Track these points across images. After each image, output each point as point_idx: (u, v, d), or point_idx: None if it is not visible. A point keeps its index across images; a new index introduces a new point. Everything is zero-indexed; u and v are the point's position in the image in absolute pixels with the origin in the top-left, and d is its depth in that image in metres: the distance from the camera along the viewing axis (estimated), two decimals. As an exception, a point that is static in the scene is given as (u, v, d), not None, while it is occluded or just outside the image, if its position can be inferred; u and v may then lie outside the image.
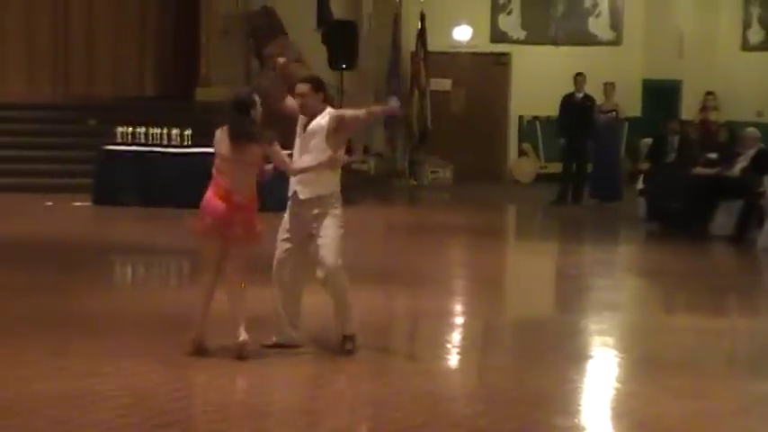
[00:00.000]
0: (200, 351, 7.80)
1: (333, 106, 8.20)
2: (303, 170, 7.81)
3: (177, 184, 16.11)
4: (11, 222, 14.98)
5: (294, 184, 7.95)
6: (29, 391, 6.90)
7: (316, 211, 7.82)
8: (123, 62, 22.10)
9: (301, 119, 7.98)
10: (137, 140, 16.98)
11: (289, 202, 8.00)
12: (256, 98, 7.84)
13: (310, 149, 7.85)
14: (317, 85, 7.98)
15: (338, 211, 7.88)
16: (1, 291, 10.24)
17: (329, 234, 7.79)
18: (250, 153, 7.71)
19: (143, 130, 16.96)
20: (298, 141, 7.97)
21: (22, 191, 17.51)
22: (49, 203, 16.62)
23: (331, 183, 7.89)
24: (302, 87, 7.91)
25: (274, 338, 8.06)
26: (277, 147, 7.85)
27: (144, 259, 12.77)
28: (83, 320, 9.05)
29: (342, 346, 7.98)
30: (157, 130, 16.95)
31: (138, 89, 22.18)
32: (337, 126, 7.84)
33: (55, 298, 9.91)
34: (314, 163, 7.77)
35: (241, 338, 7.70)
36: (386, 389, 7.31)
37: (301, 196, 7.87)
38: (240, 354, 7.69)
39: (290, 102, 8.03)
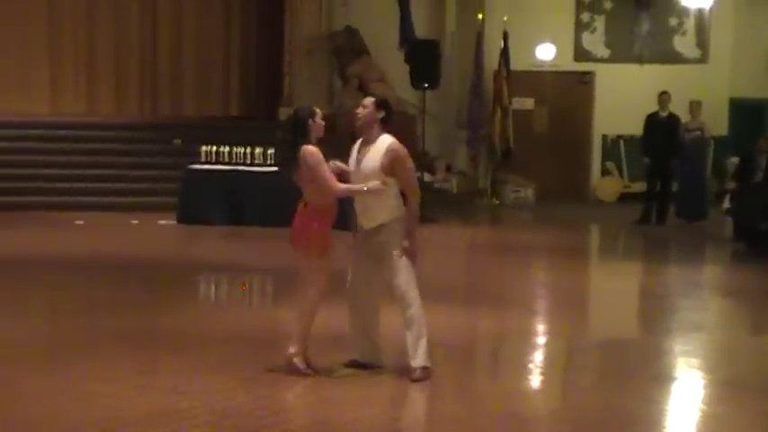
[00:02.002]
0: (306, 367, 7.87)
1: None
2: (347, 192, 7.79)
3: (261, 203, 16.30)
4: (98, 241, 15.23)
5: (358, 215, 7.96)
6: (116, 407, 6.98)
7: (381, 238, 7.81)
8: (208, 82, 22.42)
9: (355, 148, 7.96)
10: (221, 159, 17.14)
11: (355, 230, 8.04)
12: (315, 111, 7.83)
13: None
14: (383, 103, 7.96)
15: (400, 236, 7.82)
16: (89, 308, 10.41)
17: (397, 259, 7.78)
18: (298, 175, 7.77)
19: (227, 149, 17.13)
20: (352, 172, 7.92)
21: (109, 209, 17.82)
22: (135, 222, 16.88)
23: (392, 209, 7.83)
24: (368, 100, 7.98)
25: (355, 357, 8.08)
26: (322, 167, 7.71)
27: (228, 277, 12.88)
28: (169, 338, 9.16)
29: (411, 373, 7.81)
30: (241, 149, 17.09)
31: (223, 109, 22.47)
32: (391, 164, 7.73)
33: (141, 315, 10.03)
34: (363, 187, 7.72)
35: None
36: (468, 409, 7.28)
37: (365, 227, 7.88)
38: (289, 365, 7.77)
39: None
